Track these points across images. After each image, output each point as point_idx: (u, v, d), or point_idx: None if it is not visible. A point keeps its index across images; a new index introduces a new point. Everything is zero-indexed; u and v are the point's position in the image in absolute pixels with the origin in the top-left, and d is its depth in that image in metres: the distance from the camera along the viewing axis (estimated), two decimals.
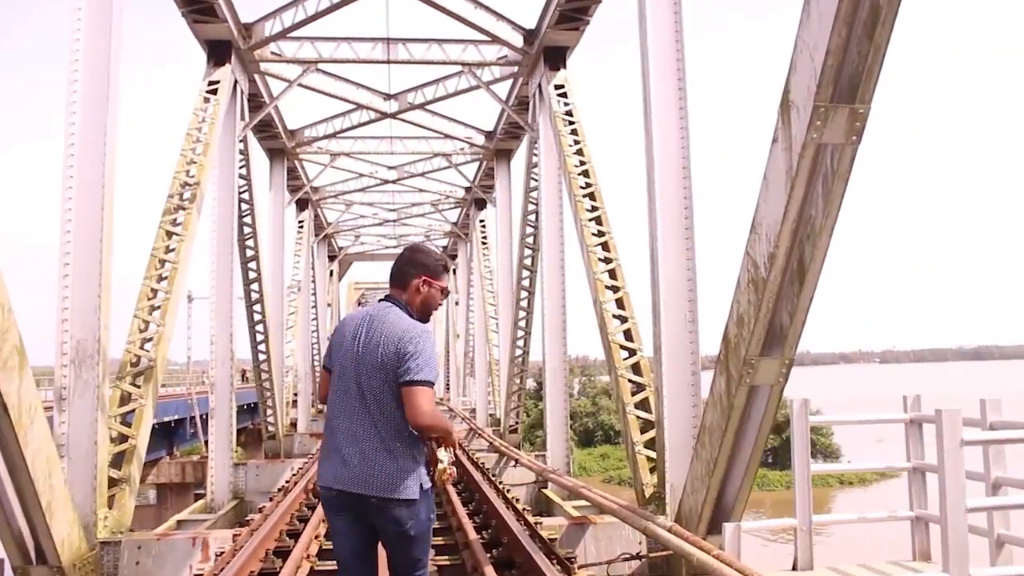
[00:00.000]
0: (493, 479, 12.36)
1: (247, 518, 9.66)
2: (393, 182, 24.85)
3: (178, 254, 11.00)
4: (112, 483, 8.84)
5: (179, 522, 12.04)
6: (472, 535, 8.10)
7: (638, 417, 9.48)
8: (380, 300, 4.15)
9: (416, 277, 4.08)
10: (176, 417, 28.90)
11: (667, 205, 8.28)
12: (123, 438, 9.24)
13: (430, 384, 3.81)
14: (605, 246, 11.32)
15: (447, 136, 20.98)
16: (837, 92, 5.12)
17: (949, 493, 4.14)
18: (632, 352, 10.23)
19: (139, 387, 9.70)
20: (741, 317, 6.14)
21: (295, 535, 8.66)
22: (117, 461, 9.03)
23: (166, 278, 10.80)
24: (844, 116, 5.13)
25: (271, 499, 10.72)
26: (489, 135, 20.98)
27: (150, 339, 10.22)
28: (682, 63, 8.58)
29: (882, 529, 5.90)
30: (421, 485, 3.82)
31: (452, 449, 3.98)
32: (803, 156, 5.30)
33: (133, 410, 9.51)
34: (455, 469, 4.06)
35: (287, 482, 12.34)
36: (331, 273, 36.60)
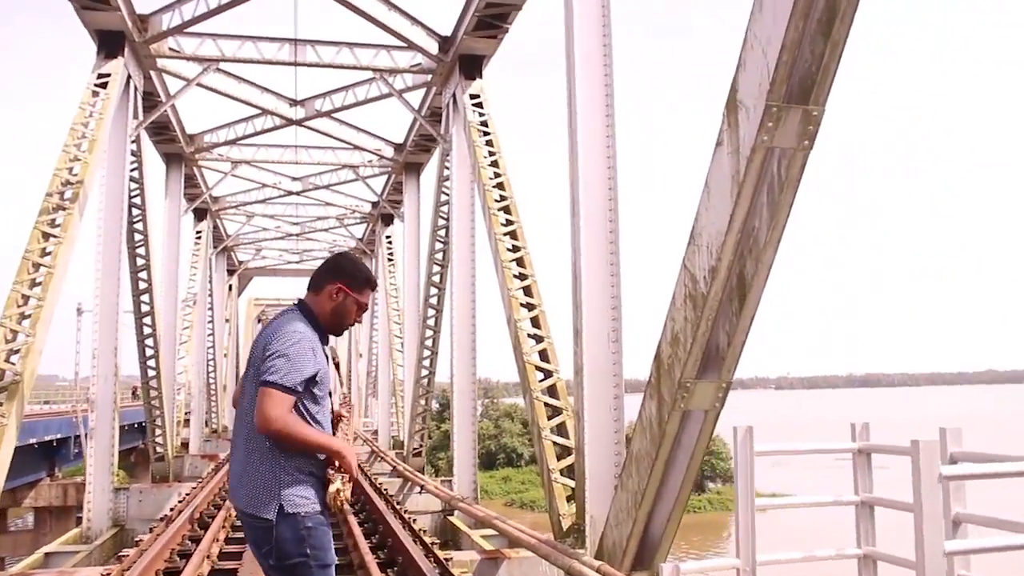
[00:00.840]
0: (397, 507, 11.63)
1: (121, 553, 8.72)
2: (297, 194, 23.91)
3: (55, 258, 10.02)
4: None
5: (47, 555, 10.96)
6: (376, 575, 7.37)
7: (555, 443, 8.92)
8: (292, 304, 3.71)
9: (331, 283, 3.62)
10: (59, 436, 27.26)
11: (590, 217, 7.78)
12: None
13: (282, 387, 3.31)
14: (520, 262, 10.80)
15: (355, 147, 20.22)
16: (790, 92, 4.71)
17: (927, 534, 3.68)
18: (548, 374, 9.68)
19: (1, 404, 8.67)
20: (676, 336, 5.65)
21: (176, 572, 7.77)
22: None
23: (40, 284, 9.80)
24: (797, 118, 4.71)
25: (151, 530, 9.77)
26: (399, 147, 20.31)
27: (17, 351, 9.20)
28: (610, 71, 8.13)
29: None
30: (281, 507, 3.33)
31: (348, 472, 3.45)
32: (751, 160, 4.86)
33: None
34: (349, 492, 3.48)
35: (171, 510, 11.37)
36: (230, 287, 35.26)
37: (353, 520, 9.83)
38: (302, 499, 3.36)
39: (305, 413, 3.41)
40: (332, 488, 3.39)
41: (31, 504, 25.46)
